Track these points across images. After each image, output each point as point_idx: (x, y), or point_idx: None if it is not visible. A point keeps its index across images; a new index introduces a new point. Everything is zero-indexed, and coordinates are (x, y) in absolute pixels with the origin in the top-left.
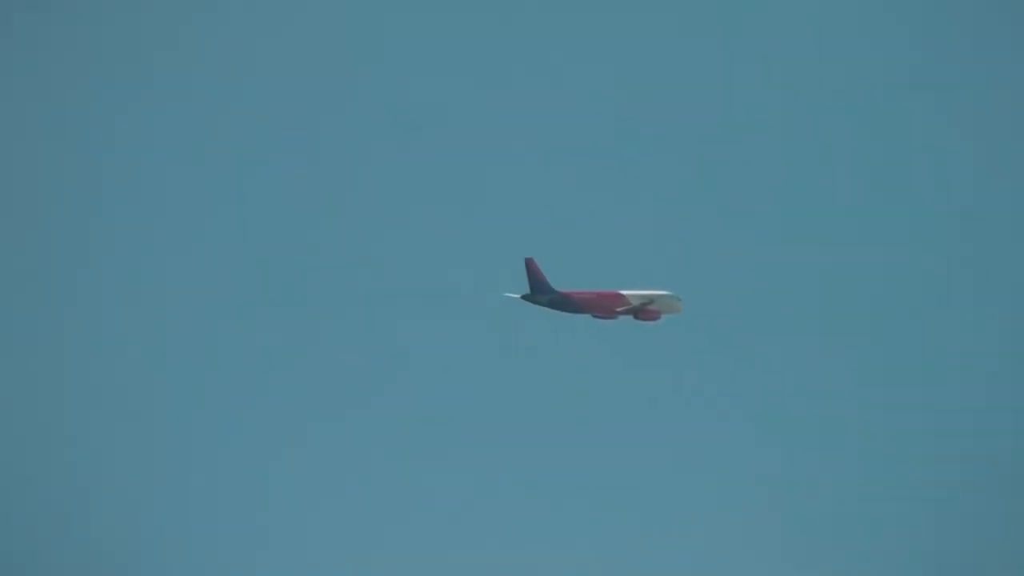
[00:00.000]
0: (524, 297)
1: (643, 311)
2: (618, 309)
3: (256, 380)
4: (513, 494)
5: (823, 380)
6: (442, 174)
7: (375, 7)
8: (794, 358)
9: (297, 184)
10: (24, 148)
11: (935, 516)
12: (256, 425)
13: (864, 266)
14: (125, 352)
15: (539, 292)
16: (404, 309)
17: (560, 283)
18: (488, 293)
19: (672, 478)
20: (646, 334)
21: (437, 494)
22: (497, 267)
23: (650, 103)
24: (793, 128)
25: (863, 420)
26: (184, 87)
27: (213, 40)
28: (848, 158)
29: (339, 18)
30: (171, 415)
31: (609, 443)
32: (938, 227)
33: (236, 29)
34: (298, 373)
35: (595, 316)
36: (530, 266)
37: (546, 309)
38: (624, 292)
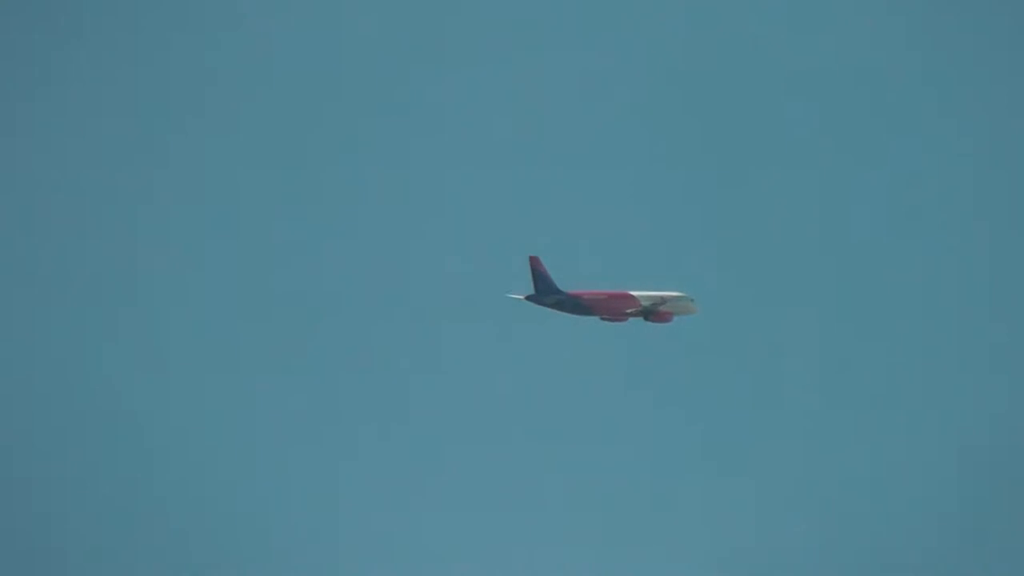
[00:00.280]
0: (528, 298)
1: (655, 313)
2: (628, 311)
3: (251, 382)
4: (514, 504)
5: (843, 385)
6: (440, 169)
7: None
8: (814, 362)
9: (289, 182)
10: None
11: (945, 520)
12: (252, 428)
13: (884, 265)
14: (124, 352)
15: (544, 293)
16: (400, 312)
17: (566, 283)
18: (490, 294)
19: (684, 487)
20: (658, 337)
21: (434, 501)
22: (499, 266)
23: (662, 95)
24: (812, 125)
25: (881, 423)
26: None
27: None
28: (863, 155)
29: (334, 14)
30: (156, 426)
31: (619, 452)
32: (962, 227)
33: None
34: (291, 377)
35: (604, 319)
36: (534, 265)
37: (552, 311)
38: (634, 293)
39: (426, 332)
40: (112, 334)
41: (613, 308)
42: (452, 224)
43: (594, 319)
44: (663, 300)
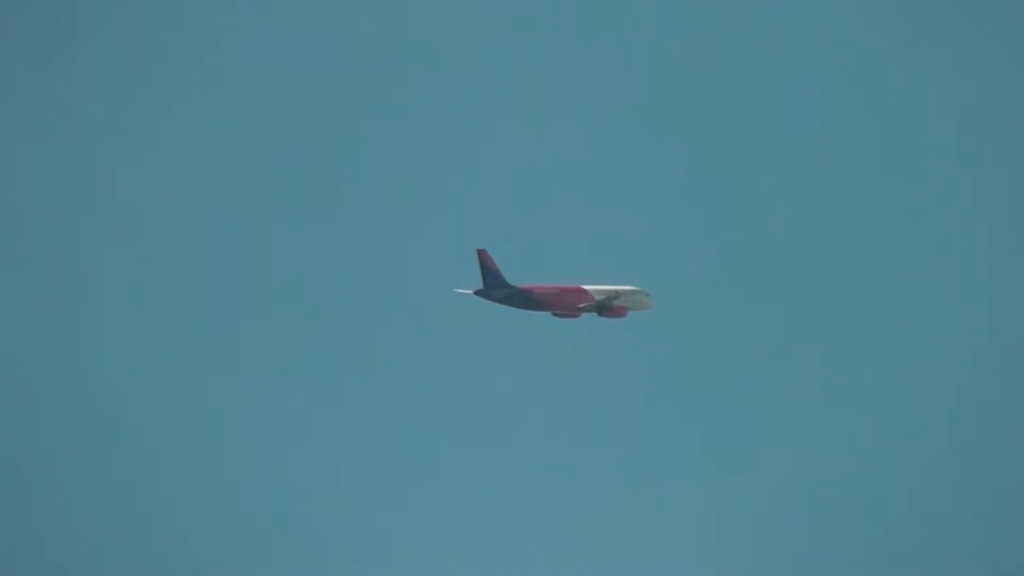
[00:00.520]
0: (477, 293)
1: (609, 308)
2: (581, 305)
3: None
4: (462, 509)
5: (804, 380)
6: (383, 158)
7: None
8: (775, 357)
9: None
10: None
11: (926, 516)
12: (209, 435)
13: (847, 257)
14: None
15: (493, 287)
16: (343, 307)
17: (516, 277)
18: (437, 288)
19: (643, 486)
20: (612, 333)
21: (382, 504)
22: (446, 259)
23: (613, 82)
24: (767, 111)
25: (848, 421)
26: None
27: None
28: (824, 144)
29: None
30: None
31: (573, 453)
32: (944, 225)
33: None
34: (239, 380)
35: (555, 314)
36: (483, 258)
37: (501, 306)
38: (587, 287)
39: (366, 330)
40: (111, 334)
41: (565, 303)
42: (397, 217)
43: (546, 314)
44: (617, 294)
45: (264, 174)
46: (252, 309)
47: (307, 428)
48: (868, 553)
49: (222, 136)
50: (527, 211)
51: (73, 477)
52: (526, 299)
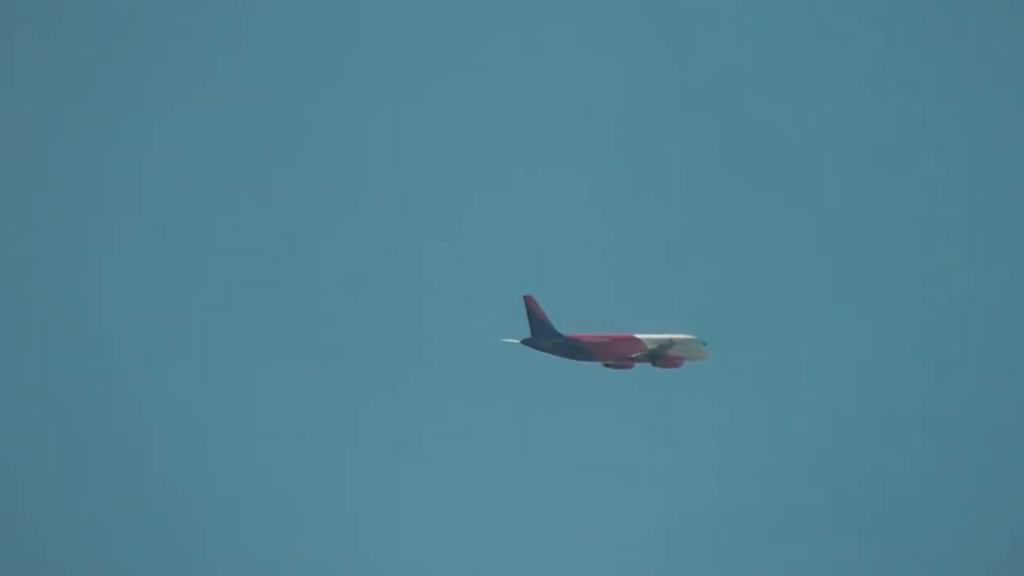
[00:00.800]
0: (524, 342)
1: (663, 357)
2: (633, 355)
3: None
4: (512, 569)
5: (878, 441)
6: (429, 202)
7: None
8: (840, 410)
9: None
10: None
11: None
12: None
13: (908, 304)
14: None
15: (541, 336)
16: (385, 357)
17: (565, 326)
18: (482, 338)
19: (696, 553)
20: (667, 384)
21: (422, 562)
22: (492, 307)
23: (672, 117)
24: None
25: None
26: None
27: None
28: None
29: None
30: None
31: (630, 514)
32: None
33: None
34: (276, 426)
35: (607, 364)
36: (530, 305)
37: (550, 356)
38: (640, 336)
39: (408, 382)
40: (110, 334)
41: (616, 352)
42: (440, 260)
43: (596, 365)
44: (671, 343)
45: (308, 217)
46: (294, 357)
47: (345, 485)
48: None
49: (266, 177)
50: (577, 256)
51: (68, 477)
52: (576, 348)
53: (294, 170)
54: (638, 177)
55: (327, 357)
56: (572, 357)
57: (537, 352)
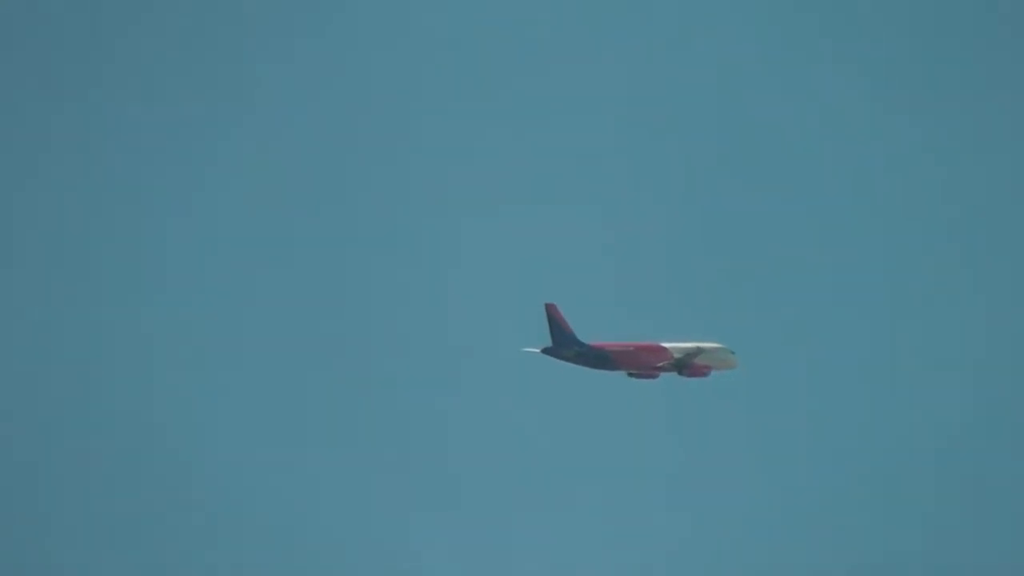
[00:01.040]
0: (546, 351)
1: (689, 367)
2: (659, 364)
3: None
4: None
5: (911, 450)
6: (448, 209)
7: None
8: (873, 421)
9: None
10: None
11: None
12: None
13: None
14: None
15: (563, 345)
16: (404, 366)
17: (587, 334)
18: (502, 347)
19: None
20: (694, 394)
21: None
22: (513, 316)
23: (671, 122)
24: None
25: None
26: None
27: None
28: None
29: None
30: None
31: (655, 530)
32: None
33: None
34: (293, 436)
35: (631, 374)
36: (552, 313)
37: (573, 365)
38: (666, 344)
39: (427, 392)
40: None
41: (642, 361)
42: (458, 268)
43: (620, 374)
44: (699, 351)
45: (325, 222)
46: (308, 368)
47: (360, 493)
48: None
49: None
50: (600, 262)
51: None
52: (599, 357)
53: (309, 173)
54: (660, 182)
55: (346, 367)
56: (595, 366)
57: (559, 361)
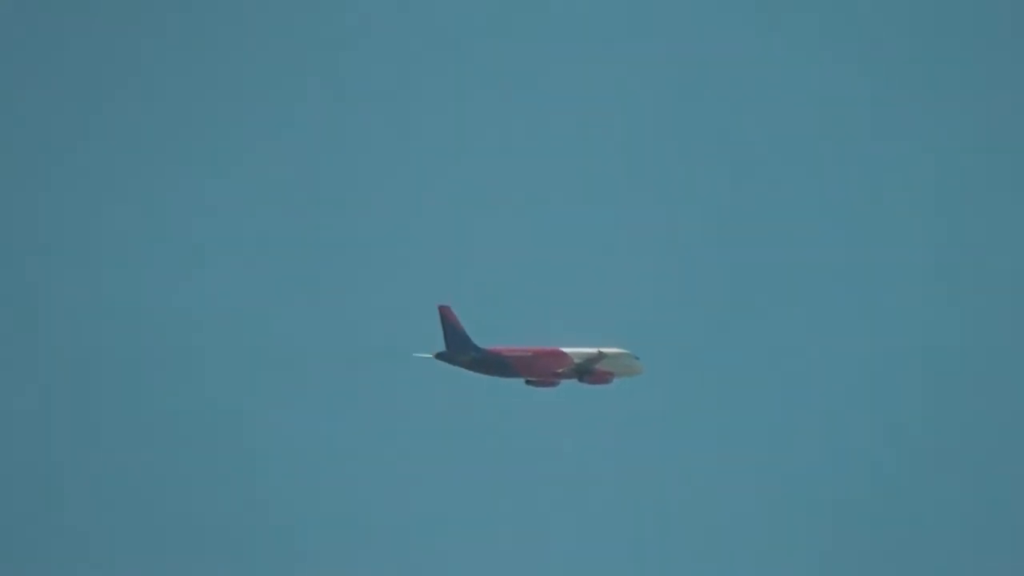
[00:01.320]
0: (438, 356)
1: (591, 373)
2: (559, 370)
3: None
4: None
5: (817, 458)
6: (338, 205)
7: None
8: (787, 427)
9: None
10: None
11: None
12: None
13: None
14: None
15: (458, 350)
16: (283, 373)
17: (483, 338)
18: (391, 352)
19: None
20: (596, 402)
21: None
22: (403, 319)
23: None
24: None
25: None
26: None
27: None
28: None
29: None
30: None
31: (553, 543)
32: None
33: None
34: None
35: (529, 381)
36: (445, 316)
37: (467, 372)
38: (566, 349)
39: (317, 402)
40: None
41: (540, 368)
42: (345, 270)
43: (518, 381)
44: (601, 356)
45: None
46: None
47: (241, 511)
48: None
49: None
50: (496, 262)
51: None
52: (495, 363)
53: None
54: (564, 175)
55: (218, 376)
56: (491, 373)
57: (453, 367)
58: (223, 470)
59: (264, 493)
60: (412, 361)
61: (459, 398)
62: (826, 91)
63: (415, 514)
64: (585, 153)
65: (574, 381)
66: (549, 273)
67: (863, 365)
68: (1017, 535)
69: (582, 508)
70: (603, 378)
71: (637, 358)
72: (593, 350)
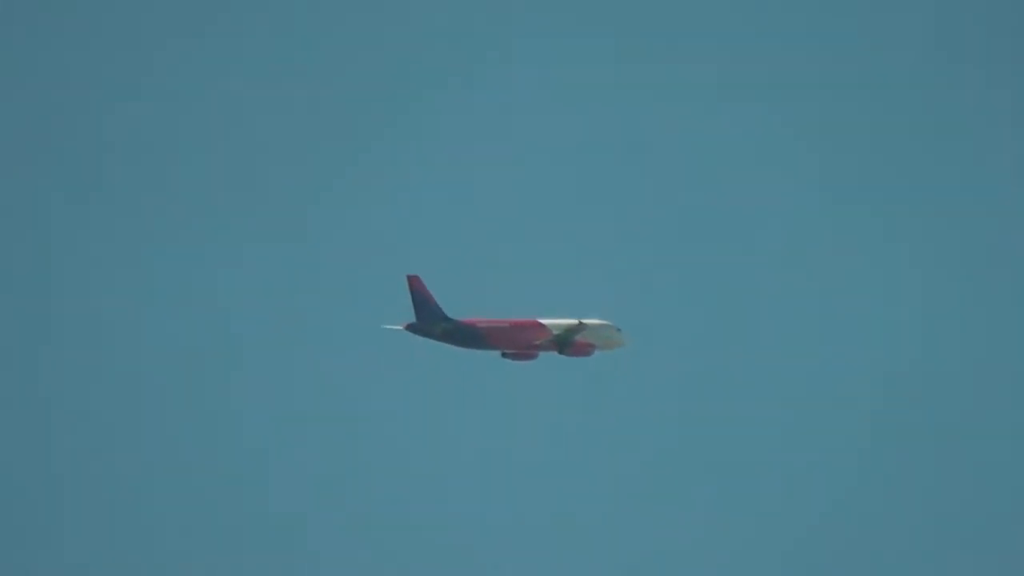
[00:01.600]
0: (409, 327)
1: (571, 345)
2: (536, 342)
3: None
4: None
5: (807, 434)
6: (301, 171)
7: None
8: (770, 401)
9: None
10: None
11: None
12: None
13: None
14: None
15: (429, 321)
16: (250, 347)
17: (456, 309)
18: (359, 324)
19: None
20: (578, 374)
21: None
22: (371, 289)
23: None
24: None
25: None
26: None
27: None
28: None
29: None
30: None
31: (531, 524)
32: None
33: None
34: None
35: (506, 354)
36: (415, 286)
37: (439, 343)
38: (544, 321)
39: (278, 375)
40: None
41: (517, 340)
42: (311, 236)
43: (494, 355)
44: (582, 327)
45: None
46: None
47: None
48: None
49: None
50: (470, 229)
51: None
52: (469, 335)
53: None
54: (537, 143)
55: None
56: (465, 345)
57: (424, 339)
58: (198, 453)
59: (236, 473)
60: (381, 333)
61: (431, 372)
62: (827, 90)
63: (386, 496)
64: (562, 115)
65: (553, 354)
66: (526, 239)
67: (842, 337)
68: (1017, 535)
69: (560, 486)
70: (584, 350)
71: (619, 330)
72: (573, 321)
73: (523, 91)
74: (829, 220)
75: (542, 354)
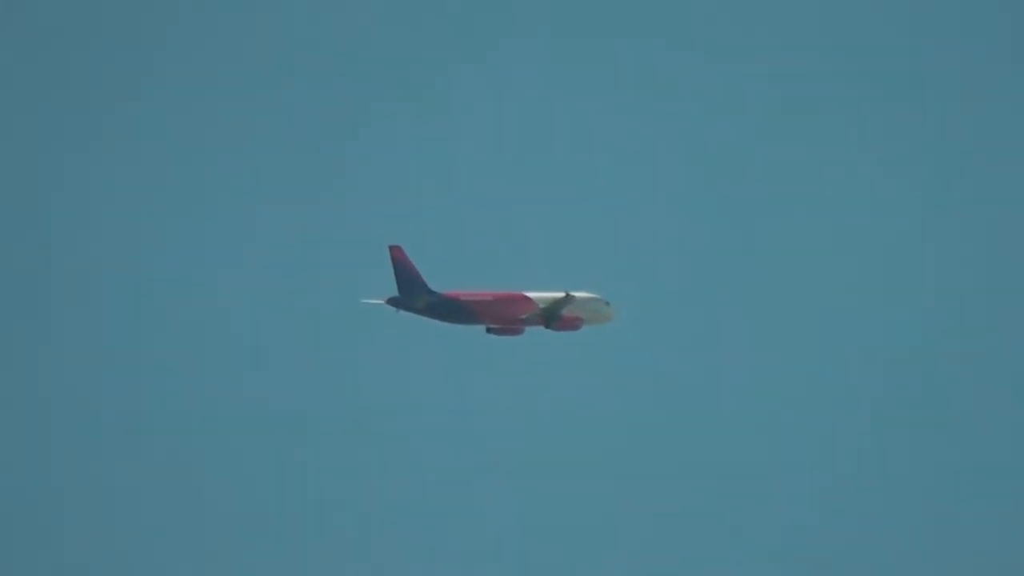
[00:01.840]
0: (391, 302)
1: (558, 319)
2: (522, 316)
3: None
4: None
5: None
6: (279, 142)
7: None
8: (762, 378)
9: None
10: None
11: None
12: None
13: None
14: None
15: (411, 294)
16: (228, 325)
17: (439, 282)
18: (338, 298)
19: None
20: (566, 348)
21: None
22: (351, 262)
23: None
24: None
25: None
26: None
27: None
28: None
29: None
30: None
31: (514, 504)
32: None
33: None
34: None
35: (491, 329)
36: (397, 257)
37: (422, 318)
38: (531, 294)
39: (262, 352)
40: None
41: (503, 314)
42: (292, 209)
43: (478, 329)
44: (569, 299)
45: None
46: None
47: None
48: None
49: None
50: (455, 199)
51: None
52: (453, 309)
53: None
54: (525, 119)
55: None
56: (448, 319)
57: (406, 313)
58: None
59: (216, 452)
60: (361, 308)
61: (414, 347)
62: (823, 90)
63: (370, 476)
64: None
65: (540, 328)
66: (512, 210)
67: (842, 336)
68: (1017, 535)
69: (547, 464)
70: (571, 324)
71: (608, 303)
72: (560, 294)
73: (511, 66)
74: (829, 219)
75: (528, 329)
